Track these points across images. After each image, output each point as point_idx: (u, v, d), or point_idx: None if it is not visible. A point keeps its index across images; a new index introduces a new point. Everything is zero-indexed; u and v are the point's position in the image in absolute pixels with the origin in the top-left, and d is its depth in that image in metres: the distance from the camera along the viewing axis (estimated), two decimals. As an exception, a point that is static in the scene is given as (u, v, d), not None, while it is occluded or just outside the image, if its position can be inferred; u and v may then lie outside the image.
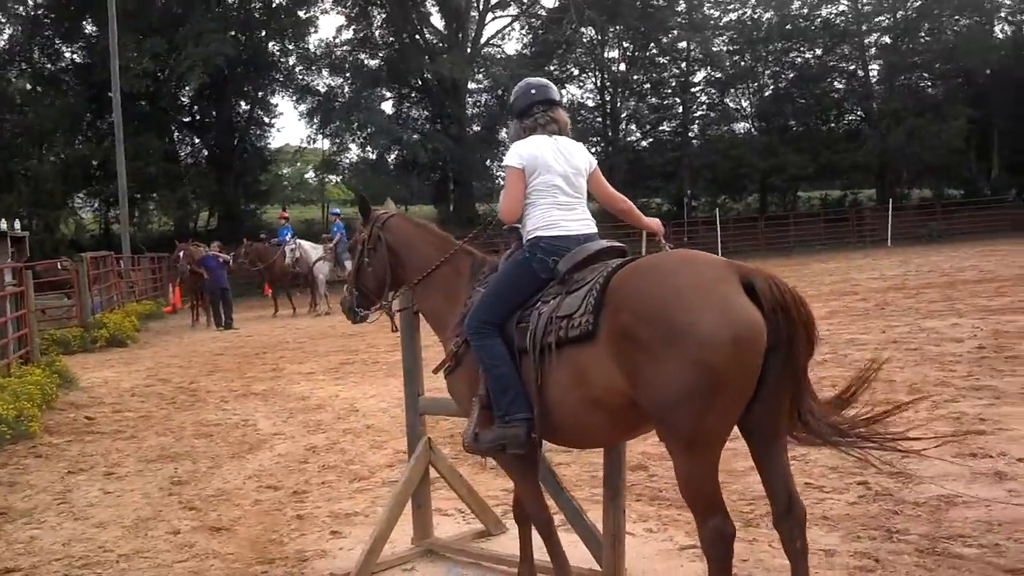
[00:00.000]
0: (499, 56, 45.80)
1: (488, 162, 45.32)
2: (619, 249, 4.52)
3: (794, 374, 3.72)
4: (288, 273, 24.78)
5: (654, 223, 4.99)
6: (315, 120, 44.36)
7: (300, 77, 44.87)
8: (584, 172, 4.72)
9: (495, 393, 4.34)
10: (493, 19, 47.22)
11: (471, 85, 44.88)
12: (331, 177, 51.08)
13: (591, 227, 4.63)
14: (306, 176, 58.38)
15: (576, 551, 5.20)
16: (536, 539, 4.88)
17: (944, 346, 11.53)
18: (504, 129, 46.51)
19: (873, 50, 47.74)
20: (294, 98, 44.91)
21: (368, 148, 44.18)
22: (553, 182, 4.57)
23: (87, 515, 7.01)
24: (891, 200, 40.74)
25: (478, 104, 47.04)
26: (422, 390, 5.88)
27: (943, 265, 25.03)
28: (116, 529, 6.62)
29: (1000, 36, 48.49)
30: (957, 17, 46.95)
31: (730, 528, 3.79)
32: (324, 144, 46.37)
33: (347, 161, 46.51)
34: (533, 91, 4.78)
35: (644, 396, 3.75)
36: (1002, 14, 48.83)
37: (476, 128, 45.59)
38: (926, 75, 47.31)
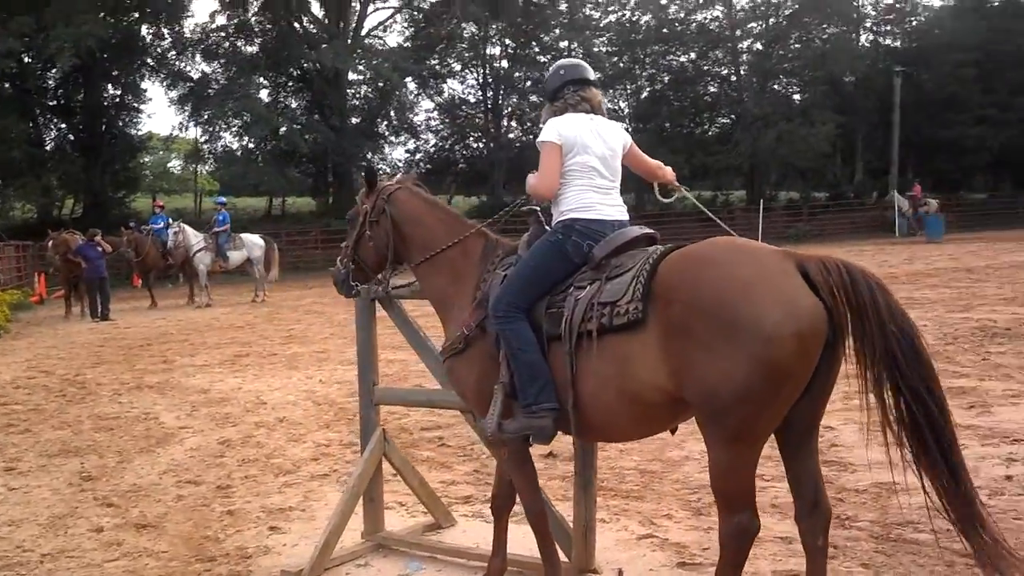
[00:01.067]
0: (381, 47, 45.25)
1: (369, 154, 44.69)
2: (652, 236, 4.32)
3: (866, 362, 3.54)
4: (160, 264, 23.89)
5: (670, 173, 4.84)
6: (187, 107, 42.92)
7: (173, 62, 43.30)
8: (620, 153, 4.50)
9: (523, 381, 4.07)
10: (375, 10, 46.85)
11: (352, 76, 44.14)
12: (201, 168, 49.61)
13: (624, 213, 4.43)
14: (169, 166, 56.39)
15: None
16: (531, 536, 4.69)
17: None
18: (384, 122, 46.14)
19: (746, 56, 49.19)
20: (165, 84, 43.37)
21: (245, 137, 42.92)
22: (591, 163, 4.35)
23: (-6, 513, 6.56)
24: (761, 201, 41.98)
25: (358, 95, 46.33)
26: (377, 379, 5.65)
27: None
28: (31, 527, 6.20)
29: (865, 45, 50.67)
30: (825, 26, 48.92)
31: (756, 525, 3.68)
32: (196, 133, 44.94)
33: (219, 150, 45.17)
34: (562, 71, 4.57)
35: (694, 392, 3.56)
36: (868, 24, 51.07)
37: (357, 120, 44.84)
38: (795, 81, 49.04)
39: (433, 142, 48.98)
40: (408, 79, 43.80)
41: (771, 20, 48.13)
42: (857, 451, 6.73)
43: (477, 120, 48.09)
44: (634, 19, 48.31)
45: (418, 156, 48.46)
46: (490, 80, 47.48)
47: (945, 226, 35.91)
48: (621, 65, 47.78)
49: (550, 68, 4.70)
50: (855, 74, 47.46)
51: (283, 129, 41.03)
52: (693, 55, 48.68)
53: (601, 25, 47.93)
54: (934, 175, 49.53)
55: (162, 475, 7.45)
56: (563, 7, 46.46)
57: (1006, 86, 45.67)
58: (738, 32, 48.40)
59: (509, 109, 48.11)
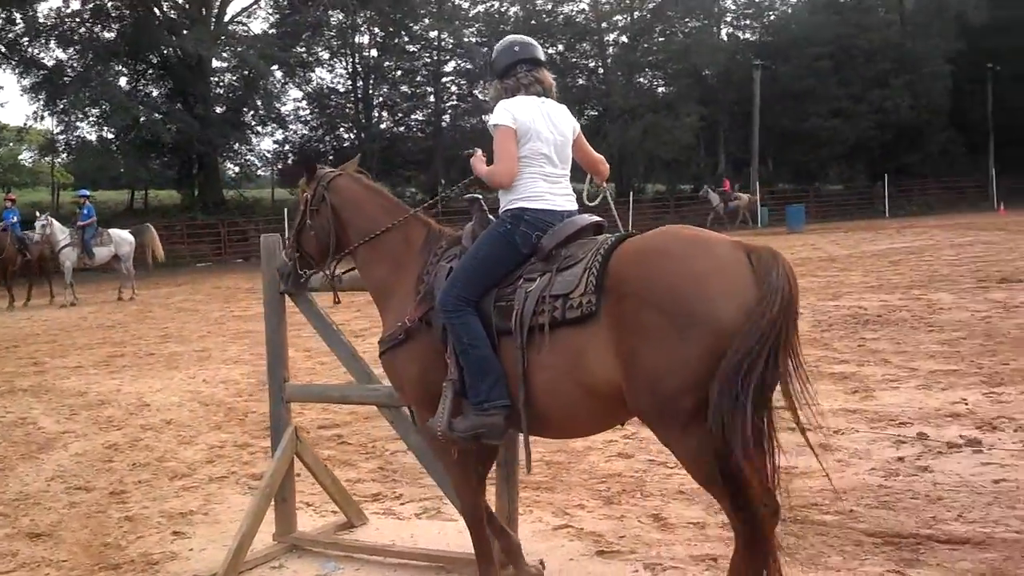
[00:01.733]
0: (245, 34, 44.15)
1: (236, 145, 43.63)
2: (600, 224, 4.26)
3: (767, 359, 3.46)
4: (15, 259, 22.71)
5: (606, 171, 4.77)
6: (41, 96, 41.00)
7: (25, 49, 41.20)
8: (570, 139, 4.41)
9: (473, 377, 3.98)
10: (239, -5, 45.57)
11: (216, 63, 42.92)
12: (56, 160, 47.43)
13: (574, 203, 4.35)
14: (21, 158, 53.73)
15: (464, 538, 5.14)
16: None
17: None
18: (251, 111, 45.07)
19: (612, 48, 49.97)
20: (17, 72, 41.25)
21: (103, 128, 41.27)
22: (542, 150, 4.24)
23: None
24: (631, 193, 42.73)
25: (222, 84, 45.10)
26: (287, 376, 5.51)
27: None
28: (-88, 540, 5.85)
29: (725, 39, 52.16)
30: (687, 20, 50.12)
31: None
32: (51, 123, 42.92)
33: (75, 141, 43.23)
34: (516, 48, 4.43)
35: (640, 384, 3.54)
36: (728, 18, 52.60)
37: (222, 109, 43.65)
38: (660, 74, 50.11)
39: (302, 132, 48.10)
40: (274, 67, 42.85)
41: (636, 13, 49.03)
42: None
43: (347, 110, 47.45)
44: (502, 10, 48.46)
45: (287, 147, 47.58)
46: (360, 69, 46.92)
47: (805, 216, 37.36)
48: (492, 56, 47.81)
49: (500, 43, 4.55)
50: (717, 67, 48.82)
51: (144, 118, 39.55)
52: (561, 47, 49.13)
53: (471, 15, 47.88)
54: (793, 166, 51.53)
55: (49, 482, 7.13)
56: (432, -4, 46.30)
57: (860, 79, 47.67)
58: (604, 25, 49.15)
59: (380, 99, 47.60)
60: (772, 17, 53.51)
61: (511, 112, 4.24)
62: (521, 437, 4.30)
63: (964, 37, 48.97)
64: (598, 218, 4.31)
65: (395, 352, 4.37)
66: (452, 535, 5.50)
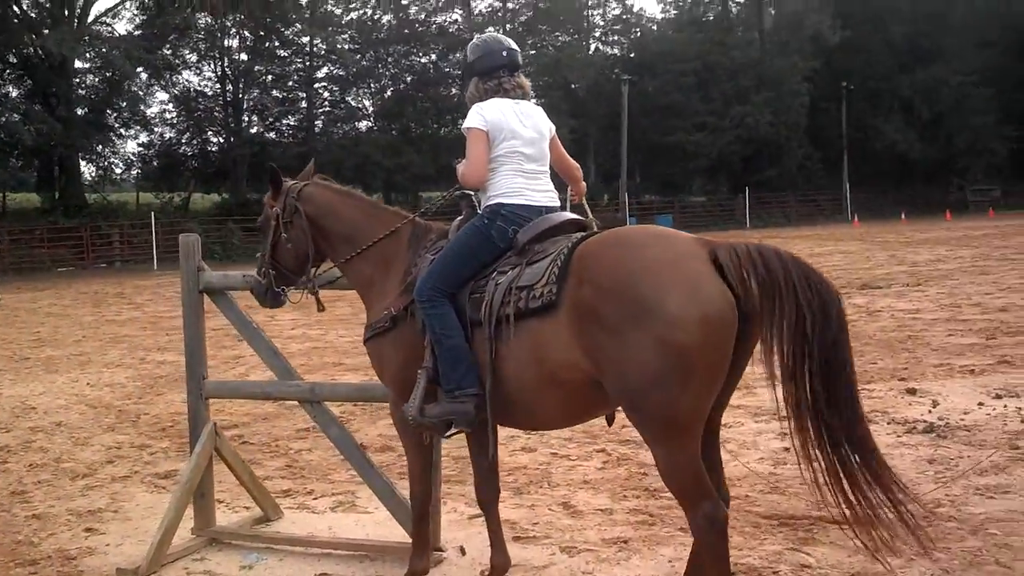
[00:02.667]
0: (110, 34, 42.81)
1: (100, 147, 42.28)
2: (580, 222, 4.34)
3: (781, 345, 3.48)
4: None
5: (582, 188, 4.87)
6: None
7: None
8: (547, 136, 4.50)
9: (445, 366, 4.07)
10: (103, -5, 44.23)
11: (79, 64, 41.54)
12: None
13: (554, 199, 4.41)
14: None
15: (387, 528, 5.33)
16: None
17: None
18: (114, 114, 43.76)
19: (486, 59, 50.37)
20: None
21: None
22: (517, 148, 4.34)
23: None
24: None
25: (85, 84, 43.63)
26: (206, 373, 5.57)
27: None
28: None
29: (592, 53, 53.37)
30: (558, 33, 51.13)
31: (722, 513, 3.57)
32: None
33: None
34: (504, 53, 4.49)
35: (609, 378, 3.59)
36: (597, 33, 53.85)
37: (84, 110, 42.22)
38: (532, 86, 50.67)
39: (168, 135, 46.92)
40: (140, 69, 41.74)
41: (508, 26, 49.67)
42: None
43: (215, 114, 46.56)
44: (375, 17, 48.46)
45: (152, 150, 46.31)
46: (229, 73, 46.11)
47: (672, 226, 38.43)
48: (364, 63, 47.79)
49: (484, 40, 4.59)
50: (586, 81, 49.91)
51: (2, 119, 37.96)
52: (434, 56, 49.41)
53: (343, 22, 47.71)
54: (659, 178, 53.05)
55: (-58, 485, 6.96)
56: (304, 1, 45.82)
57: (722, 96, 49.52)
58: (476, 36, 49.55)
59: (251, 103, 46.89)
60: (639, 33, 55.03)
61: (482, 115, 4.35)
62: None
63: (820, 56, 51.44)
64: (577, 216, 4.41)
65: (380, 340, 4.45)
66: (370, 526, 5.67)
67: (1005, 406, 7.69)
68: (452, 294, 4.17)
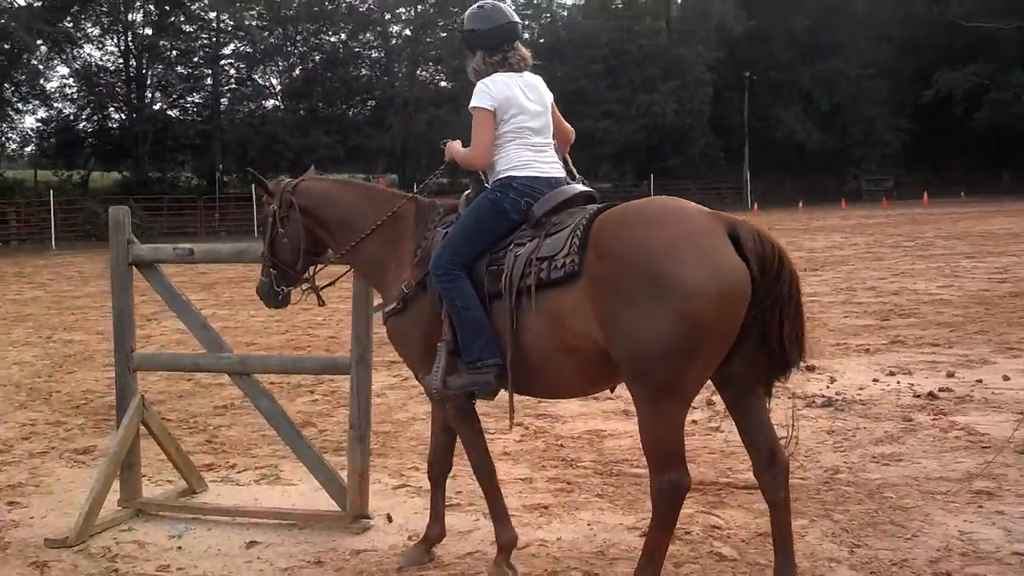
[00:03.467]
0: (7, 5, 41.28)
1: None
2: (591, 195, 4.38)
3: (776, 325, 3.69)
4: None
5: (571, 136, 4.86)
6: None
7: None
8: (550, 109, 4.53)
9: (465, 338, 4.13)
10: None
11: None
12: None
13: (560, 170, 4.47)
14: None
15: (313, 499, 5.47)
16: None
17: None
18: (11, 88, 42.36)
19: (395, 40, 50.24)
20: None
21: None
22: (525, 123, 4.37)
23: None
24: (414, 186, 43.08)
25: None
26: (135, 345, 5.62)
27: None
28: None
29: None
30: (469, 16, 50.95)
31: (687, 480, 3.72)
32: None
33: None
34: (508, 25, 4.46)
35: (620, 347, 3.66)
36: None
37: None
38: (442, 68, 50.82)
39: (68, 111, 45.63)
40: (39, 42, 40.50)
41: (419, 7, 49.53)
42: (563, 404, 7.56)
43: (117, 89, 45.43)
44: (285, -6, 47.89)
45: (51, 126, 44.98)
46: (132, 48, 45.01)
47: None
48: (273, 41, 47.17)
49: (487, 12, 4.50)
50: (496, 65, 49.95)
51: None
52: (344, 36, 49.02)
53: (250, -2, 46.99)
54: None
55: None
56: (210, -25, 45.06)
57: (630, 84, 50.21)
58: (388, 16, 49.38)
59: (154, 79, 45.88)
60: (549, 19, 55.32)
61: (490, 92, 4.36)
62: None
63: (725, 46, 52.53)
64: (589, 188, 4.45)
65: (399, 319, 4.46)
66: (295, 497, 5.79)
67: (898, 382, 8.19)
68: (468, 267, 4.20)
